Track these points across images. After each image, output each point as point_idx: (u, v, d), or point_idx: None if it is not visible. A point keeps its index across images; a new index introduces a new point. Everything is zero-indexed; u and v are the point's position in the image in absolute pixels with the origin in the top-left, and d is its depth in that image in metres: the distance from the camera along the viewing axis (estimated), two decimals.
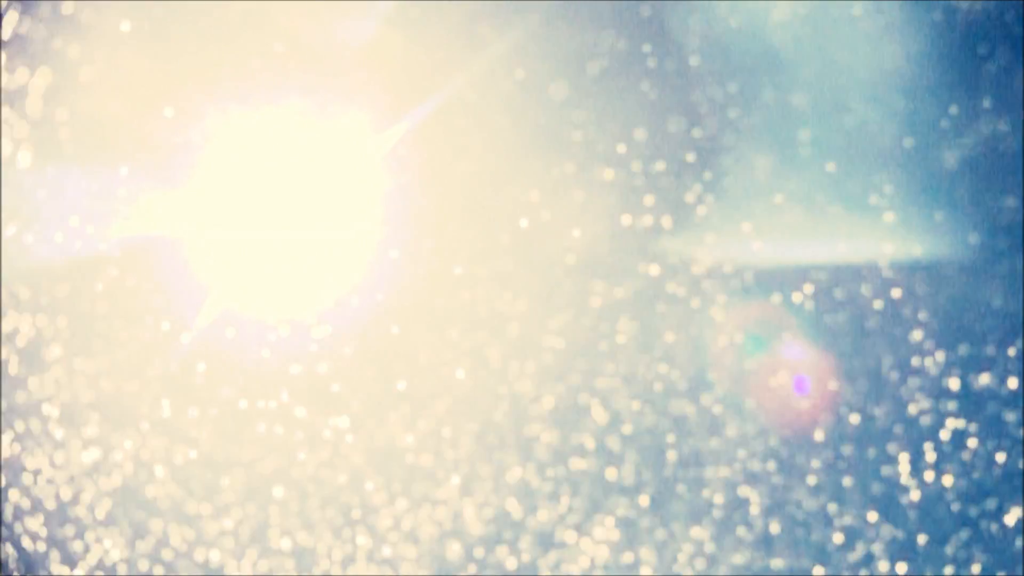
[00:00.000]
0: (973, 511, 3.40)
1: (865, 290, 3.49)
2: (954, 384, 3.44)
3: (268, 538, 3.58)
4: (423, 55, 3.48)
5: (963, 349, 3.45)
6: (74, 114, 3.53)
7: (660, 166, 3.52)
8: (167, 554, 3.59)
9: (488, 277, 3.58)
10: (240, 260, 3.63)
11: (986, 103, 3.45)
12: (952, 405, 3.43)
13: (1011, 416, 3.40)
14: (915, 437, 3.46)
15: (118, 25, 3.49)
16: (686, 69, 3.54)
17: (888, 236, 3.48)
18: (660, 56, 3.53)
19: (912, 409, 3.46)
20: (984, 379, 3.42)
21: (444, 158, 3.56)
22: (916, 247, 3.48)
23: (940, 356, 3.45)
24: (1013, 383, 3.40)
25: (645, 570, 3.52)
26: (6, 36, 3.47)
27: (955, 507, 3.41)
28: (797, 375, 3.48)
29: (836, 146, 3.52)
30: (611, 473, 3.55)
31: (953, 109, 3.46)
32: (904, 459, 3.45)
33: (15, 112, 3.51)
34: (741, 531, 3.52)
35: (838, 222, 3.51)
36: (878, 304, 3.49)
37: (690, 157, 3.54)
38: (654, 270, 3.53)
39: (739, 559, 3.51)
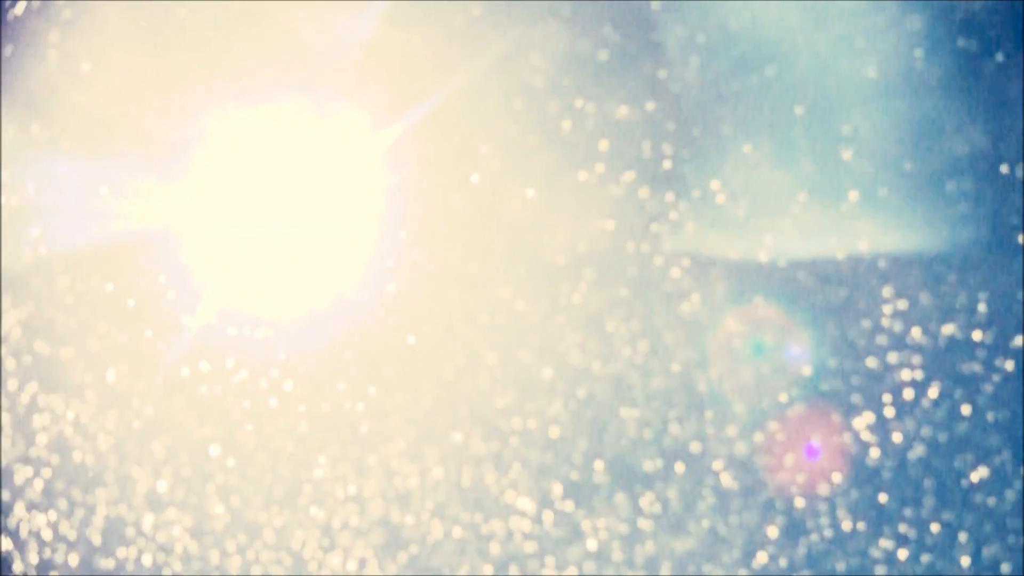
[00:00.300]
0: (936, 468, 3.30)
1: (831, 242, 3.39)
2: (917, 334, 3.32)
3: (212, 506, 3.52)
4: (422, 54, 3.49)
5: (926, 298, 3.33)
6: (73, 109, 3.55)
7: (623, 111, 3.44)
8: (115, 527, 3.53)
9: (440, 240, 3.52)
10: (217, 251, 3.62)
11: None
12: (916, 359, 3.31)
13: (976, 367, 3.27)
14: (876, 393, 3.34)
15: (119, 22, 3.53)
16: (648, 11, 3.45)
17: (855, 184, 3.38)
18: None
19: (872, 363, 3.35)
20: (948, 329, 3.30)
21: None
22: (888, 206, 3.38)
23: (902, 304, 3.33)
24: (978, 335, 3.28)
25: (599, 536, 3.42)
26: (7, 33, 3.46)
27: (917, 464, 3.31)
28: (808, 444, 3.36)
29: (804, 94, 3.45)
30: (563, 437, 3.45)
31: (917, 56, 3.36)
32: (866, 415, 3.33)
33: (14, 107, 3.52)
34: (699, 495, 3.41)
35: (805, 174, 3.43)
36: (842, 254, 3.38)
37: (651, 106, 3.45)
38: (610, 226, 3.44)
39: (697, 524, 3.40)
